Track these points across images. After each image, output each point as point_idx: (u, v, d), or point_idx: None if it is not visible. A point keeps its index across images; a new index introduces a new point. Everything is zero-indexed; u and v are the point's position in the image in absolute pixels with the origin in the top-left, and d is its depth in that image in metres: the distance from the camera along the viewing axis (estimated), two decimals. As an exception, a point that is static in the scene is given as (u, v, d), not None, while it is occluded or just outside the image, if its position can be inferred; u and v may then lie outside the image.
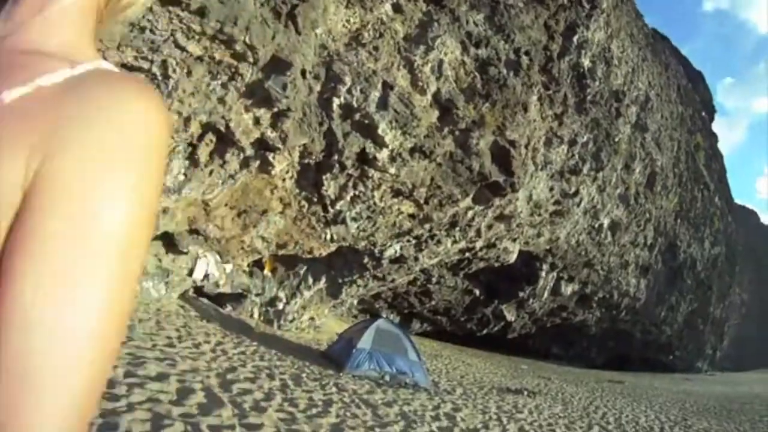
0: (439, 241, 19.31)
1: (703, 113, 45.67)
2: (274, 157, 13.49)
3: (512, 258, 24.84)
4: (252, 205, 14.66)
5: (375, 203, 15.66)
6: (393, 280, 20.53)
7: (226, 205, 14.46)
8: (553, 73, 20.59)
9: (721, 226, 48.37)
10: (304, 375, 11.77)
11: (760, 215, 74.49)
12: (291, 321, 19.12)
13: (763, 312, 65.80)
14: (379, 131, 14.03)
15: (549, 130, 21.79)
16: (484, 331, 32.85)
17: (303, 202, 15.10)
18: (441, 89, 15.53)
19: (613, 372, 37.19)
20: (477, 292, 28.32)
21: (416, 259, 19.50)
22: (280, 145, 13.15)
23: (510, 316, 31.16)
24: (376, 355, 14.27)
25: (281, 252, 16.40)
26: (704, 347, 51.39)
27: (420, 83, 15.02)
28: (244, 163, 13.49)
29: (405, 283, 24.95)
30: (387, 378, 13.88)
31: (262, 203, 14.70)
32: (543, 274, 29.30)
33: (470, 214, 18.48)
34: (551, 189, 23.36)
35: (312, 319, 20.18)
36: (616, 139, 27.74)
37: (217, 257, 16.57)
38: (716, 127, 48.57)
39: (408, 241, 18.36)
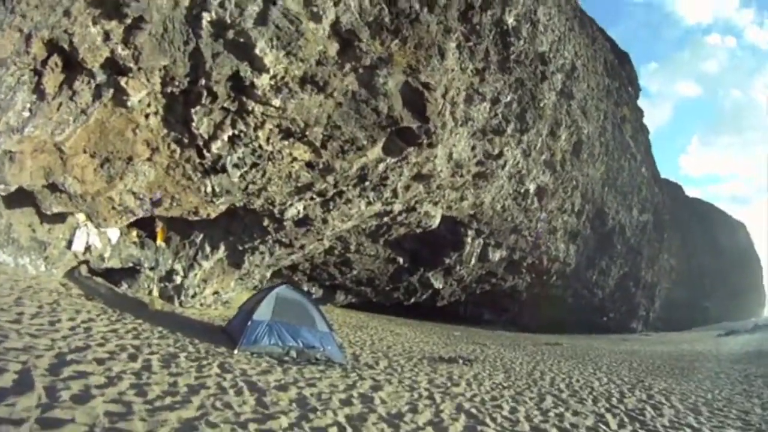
0: (349, 200, 16.79)
1: (630, 88, 44.09)
2: (127, 83, 10.73)
3: (435, 223, 22.55)
4: (114, 151, 11.86)
5: (260, 146, 12.95)
6: (302, 246, 17.91)
7: (85, 151, 11.65)
8: (473, 23, 18.36)
9: (648, 195, 47.24)
10: (183, 355, 9.63)
11: (685, 189, 74.07)
12: (193, 297, 16.55)
13: (690, 278, 65.88)
14: (257, 51, 11.28)
15: (470, 85, 19.56)
16: (412, 300, 30.56)
17: (173, 146, 12.32)
18: (341, 18, 12.85)
19: (549, 335, 35.64)
20: (401, 260, 25.89)
21: (324, 221, 16.94)
22: (132, 65, 10.41)
23: (438, 284, 28.94)
24: (277, 328, 11.90)
25: (157, 211, 13.54)
26: (637, 309, 50.47)
27: (315, 8, 12.29)
28: (96, 93, 10.73)
29: (322, 253, 22.46)
30: (293, 354, 11.55)
31: (126, 148, 11.90)
32: (469, 240, 27.13)
33: (382, 167, 15.99)
34: (473, 148, 21.12)
35: (217, 293, 17.52)
36: (542, 104, 25.61)
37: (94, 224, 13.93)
38: (641, 106, 47.18)
39: (312, 198, 15.78)
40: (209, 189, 13.34)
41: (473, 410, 9.44)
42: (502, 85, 21.41)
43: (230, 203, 14.58)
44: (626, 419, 10.17)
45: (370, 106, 13.92)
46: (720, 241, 75.61)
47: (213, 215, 14.58)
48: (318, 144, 13.65)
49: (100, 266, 14.59)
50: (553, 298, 39.16)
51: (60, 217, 13.13)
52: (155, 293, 15.72)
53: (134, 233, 15.30)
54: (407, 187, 18.49)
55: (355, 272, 25.57)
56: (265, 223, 16.02)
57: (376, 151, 15.12)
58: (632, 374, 17.52)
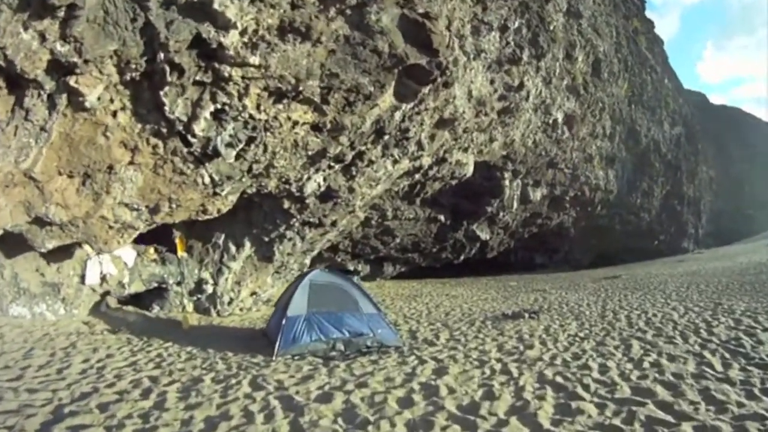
0: (372, 162, 14.43)
1: (635, 0, 40.32)
2: (78, 81, 8.41)
3: (469, 171, 20.02)
4: (91, 164, 9.60)
5: (251, 116, 10.45)
6: (334, 223, 15.61)
7: (60, 173, 9.44)
8: (462, -52, 15.56)
9: (676, 107, 43.32)
10: (209, 377, 7.83)
11: (708, 97, 69.12)
12: (230, 303, 14.50)
13: (731, 187, 61.59)
14: (216, 6, 8.74)
15: (473, 16, 16.85)
16: (462, 258, 28.07)
17: (153, 140, 9.91)
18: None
19: (604, 269, 33.61)
20: (442, 217, 23.39)
21: (351, 190, 14.60)
22: (76, 59, 8.11)
23: (484, 235, 26.39)
24: (316, 320, 9.73)
25: (157, 218, 11.27)
26: (686, 227, 46.91)
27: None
28: (51, 104, 8.53)
29: (359, 227, 20.13)
30: (340, 347, 9.43)
31: (102, 157, 9.60)
32: (507, 183, 24.38)
33: (398, 116, 13.53)
34: (492, 82, 18.43)
35: (255, 294, 15.43)
36: (551, 27, 22.74)
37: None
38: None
39: (330, 167, 13.40)
40: (207, 179, 10.97)
41: (559, 378, 7.49)
42: (507, 12, 18.61)
43: (239, 191, 12.26)
44: (727, 355, 8.43)
45: (368, 47, 11.38)
46: (754, 145, 69.88)
47: (224, 209, 12.31)
48: (318, 100, 11.12)
49: (122, 294, 12.66)
50: (601, 230, 36.41)
51: (67, 253, 11.22)
52: (190, 309, 13.74)
53: (151, 251, 13.34)
54: (432, 137, 16.01)
55: (398, 240, 23.12)
56: (286, 205, 13.72)
57: (387, 99, 12.63)
58: (705, 297, 15.74)
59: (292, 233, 14.68)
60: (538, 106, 23.30)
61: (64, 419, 5.76)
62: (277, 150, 11.55)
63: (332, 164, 13.31)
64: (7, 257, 10.49)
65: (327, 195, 14.23)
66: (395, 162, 15.26)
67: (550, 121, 24.68)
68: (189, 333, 11.66)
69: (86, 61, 8.24)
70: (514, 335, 10.96)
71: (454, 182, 20.52)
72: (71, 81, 8.36)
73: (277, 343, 9.24)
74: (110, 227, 10.69)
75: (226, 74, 9.60)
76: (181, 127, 9.77)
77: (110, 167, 9.78)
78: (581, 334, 10.81)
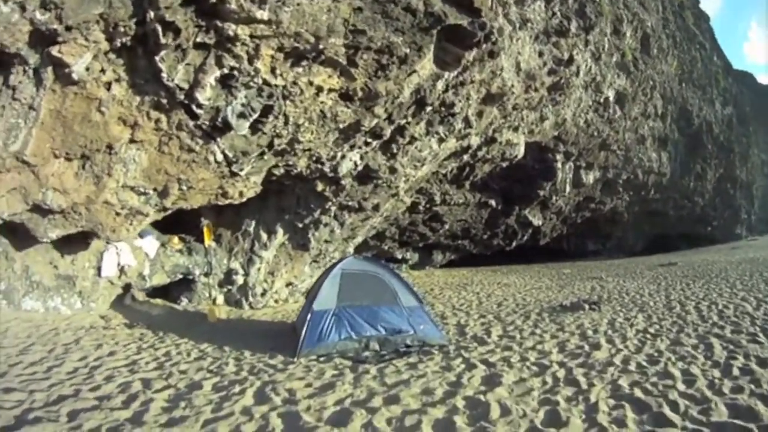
0: (414, 139, 12.34)
1: (677, -27, 36.71)
2: (61, 51, 6.75)
3: (520, 152, 17.71)
4: (87, 144, 7.89)
5: (265, 81, 8.43)
6: (376, 207, 13.61)
7: (55, 156, 7.80)
8: None
9: (726, 86, 39.31)
10: (211, 382, 6.21)
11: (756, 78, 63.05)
12: (263, 295, 12.68)
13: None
14: None
15: (516, -17, 14.63)
16: (513, 244, 25.60)
17: (155, 113, 8.04)
18: None
19: (658, 255, 30.80)
20: (493, 202, 21.02)
21: (392, 170, 12.58)
22: (57, 26, 6.48)
23: (536, 221, 23.86)
24: (347, 315, 7.81)
25: (168, 202, 9.44)
26: (739, 212, 42.75)
27: None
28: (37, 80, 6.97)
29: (406, 213, 18.04)
30: (375, 346, 7.51)
31: (99, 135, 7.88)
32: (559, 165, 21.79)
33: (441, 86, 11.39)
34: (540, 54, 16.06)
35: (291, 284, 13.56)
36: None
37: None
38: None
39: (366, 143, 11.35)
40: (219, 156, 9.04)
41: (638, 392, 5.58)
42: (550, -20, 16.39)
43: (262, 171, 10.32)
44: (827, 357, 6.55)
45: (400, 5, 9.24)
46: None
47: (248, 192, 10.42)
48: (343, 61, 9.00)
49: (144, 286, 11.08)
50: (654, 215, 33.37)
51: (82, 244, 9.76)
52: (220, 301, 12.07)
53: (176, 240, 11.77)
54: (480, 113, 13.86)
55: (447, 226, 20.86)
56: (320, 187, 11.77)
57: (427, 65, 10.48)
58: (774, 287, 13.41)
59: (329, 218, 12.76)
60: (589, 84, 20.78)
61: (23, 426, 4.64)
62: (301, 122, 9.51)
63: (369, 140, 11.27)
64: (17, 249, 9.12)
65: (366, 176, 12.25)
66: (441, 140, 13.22)
67: (601, 100, 22.06)
68: (214, 327, 10.13)
69: (68, 28, 6.63)
70: (576, 331, 9.09)
71: (504, 164, 18.27)
72: (54, 51, 6.75)
73: (300, 342, 7.40)
74: (117, 214, 8.97)
75: (231, 33, 7.63)
76: (182, 97, 7.86)
77: (109, 146, 8.04)
78: (651, 330, 8.87)
